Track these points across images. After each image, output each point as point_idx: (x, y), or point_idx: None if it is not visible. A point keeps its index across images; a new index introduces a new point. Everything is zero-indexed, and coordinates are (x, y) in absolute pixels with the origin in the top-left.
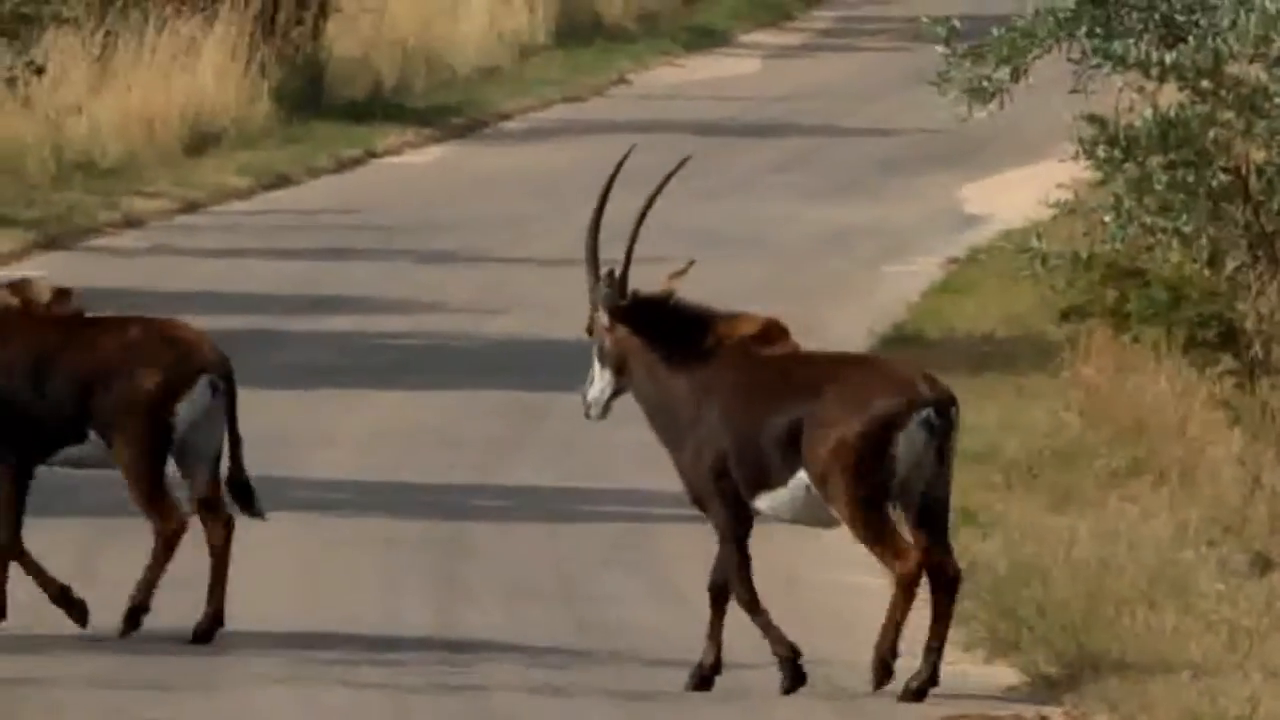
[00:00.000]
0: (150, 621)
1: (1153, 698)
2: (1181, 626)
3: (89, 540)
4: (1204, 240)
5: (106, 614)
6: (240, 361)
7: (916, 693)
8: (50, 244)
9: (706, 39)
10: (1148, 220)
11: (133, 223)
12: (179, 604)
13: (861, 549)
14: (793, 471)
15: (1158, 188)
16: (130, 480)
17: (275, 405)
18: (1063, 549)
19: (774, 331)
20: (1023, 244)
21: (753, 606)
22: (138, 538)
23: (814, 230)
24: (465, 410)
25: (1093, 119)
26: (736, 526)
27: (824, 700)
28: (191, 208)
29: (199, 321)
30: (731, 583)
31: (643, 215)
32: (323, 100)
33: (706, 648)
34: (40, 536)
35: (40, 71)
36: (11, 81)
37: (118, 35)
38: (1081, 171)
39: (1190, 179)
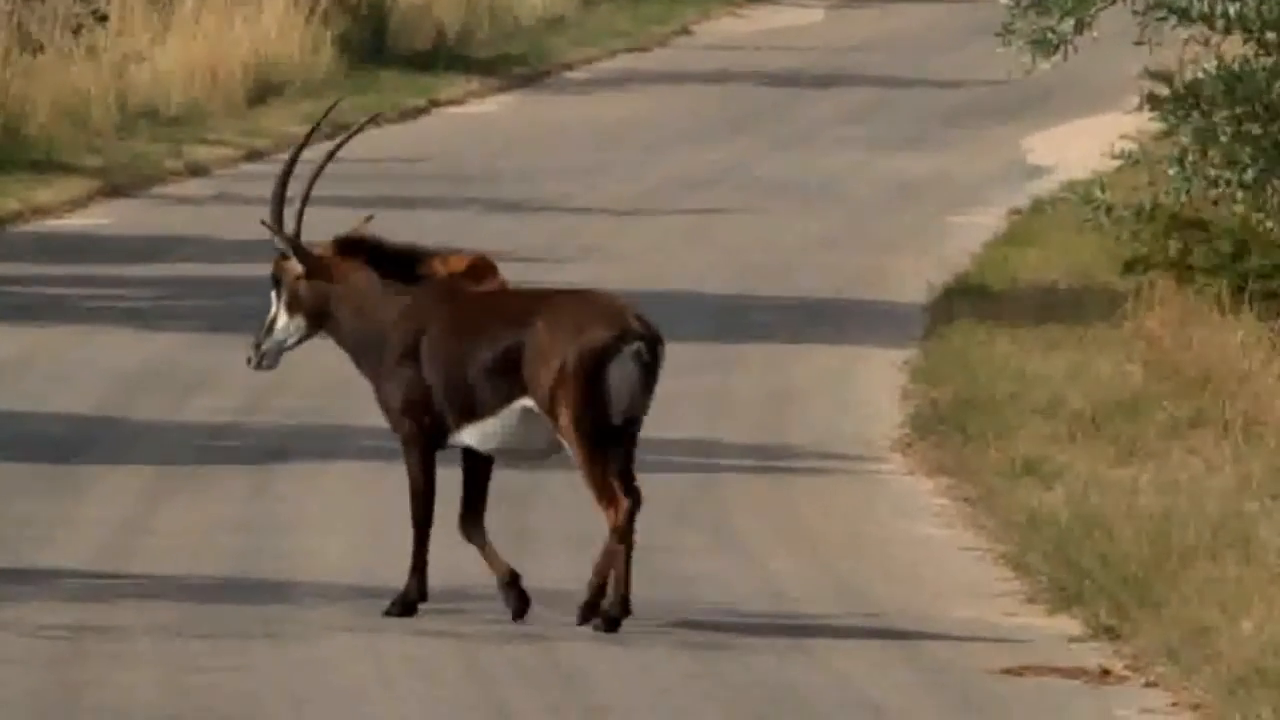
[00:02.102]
0: (213, 569)
1: (1215, 649)
2: (1244, 578)
3: (151, 489)
4: (1269, 192)
5: (169, 563)
6: None
7: (612, 621)
8: (115, 192)
9: None
10: (1212, 173)
11: (197, 171)
12: (242, 551)
13: (924, 499)
14: (505, 402)
15: (1222, 140)
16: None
17: (339, 353)
18: (1125, 501)
19: (482, 268)
20: (1087, 195)
21: (424, 533)
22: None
23: (880, 181)
24: None
25: (1156, 75)
26: (428, 457)
27: (887, 650)
28: (256, 156)
29: (263, 269)
30: (415, 505)
31: (293, 166)
32: (386, 49)
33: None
34: (100, 486)
35: (104, 19)
36: (76, 30)
37: None
38: (1146, 123)
39: (1256, 131)
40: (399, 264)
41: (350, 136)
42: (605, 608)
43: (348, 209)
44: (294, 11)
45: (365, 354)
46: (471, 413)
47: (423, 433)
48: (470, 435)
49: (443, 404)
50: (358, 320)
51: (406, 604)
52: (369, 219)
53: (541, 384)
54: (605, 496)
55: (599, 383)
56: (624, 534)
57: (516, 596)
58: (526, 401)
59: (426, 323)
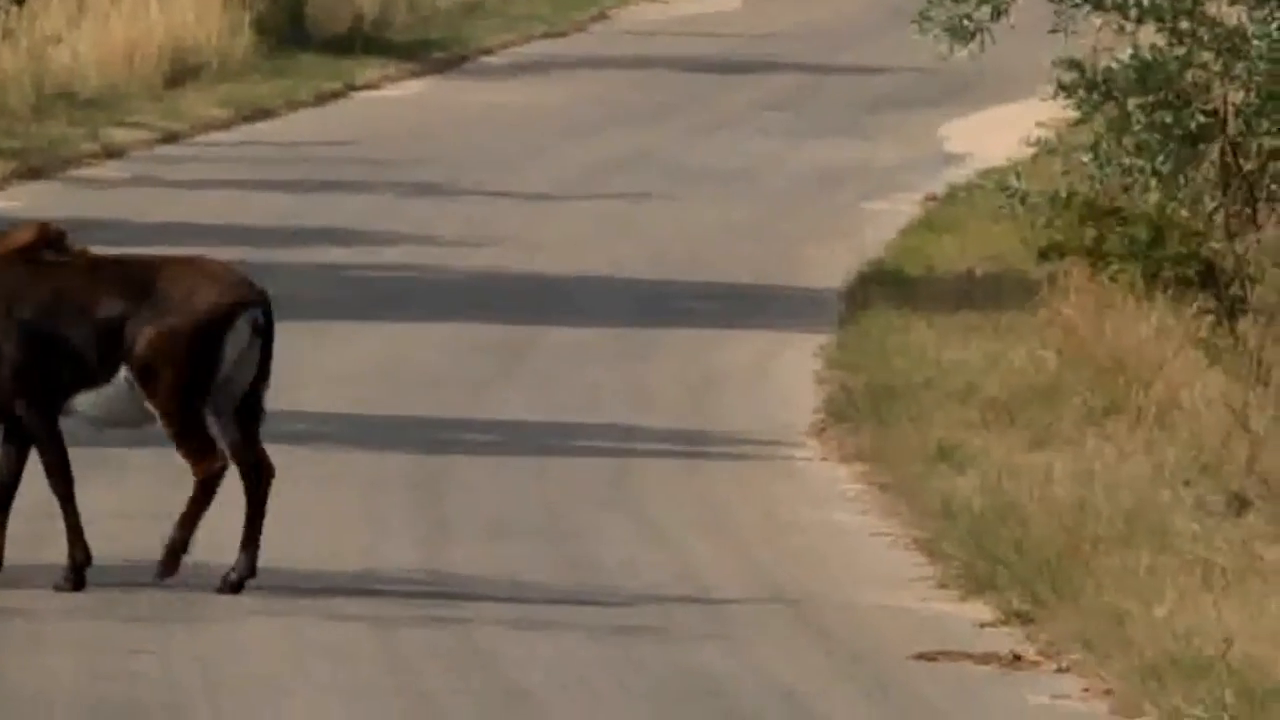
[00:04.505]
0: (132, 553)
1: (1128, 636)
2: (1157, 566)
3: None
4: (1182, 180)
5: (94, 544)
6: None
7: (235, 585)
8: (31, 174)
9: None
10: (1126, 161)
11: (114, 153)
12: (157, 535)
13: (840, 485)
14: (116, 369)
15: (1136, 128)
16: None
17: None
18: (1040, 488)
19: (53, 237)
20: (1002, 182)
21: (68, 497)
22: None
23: (799, 168)
24: (451, 345)
25: (1070, 63)
26: (50, 426)
27: (802, 636)
28: (172, 139)
29: (181, 253)
30: (53, 478)
31: None
32: (304, 33)
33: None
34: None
35: (20, 2)
36: None
37: None
38: (1062, 111)
39: (1168, 120)
40: None
41: None
42: (232, 574)
43: (266, 193)
44: None
45: None
46: (82, 382)
47: (38, 404)
48: (82, 404)
49: (52, 375)
50: None
51: (76, 573)
52: None
53: (148, 352)
54: (200, 451)
55: (215, 351)
56: (211, 488)
57: None
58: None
59: (16, 300)
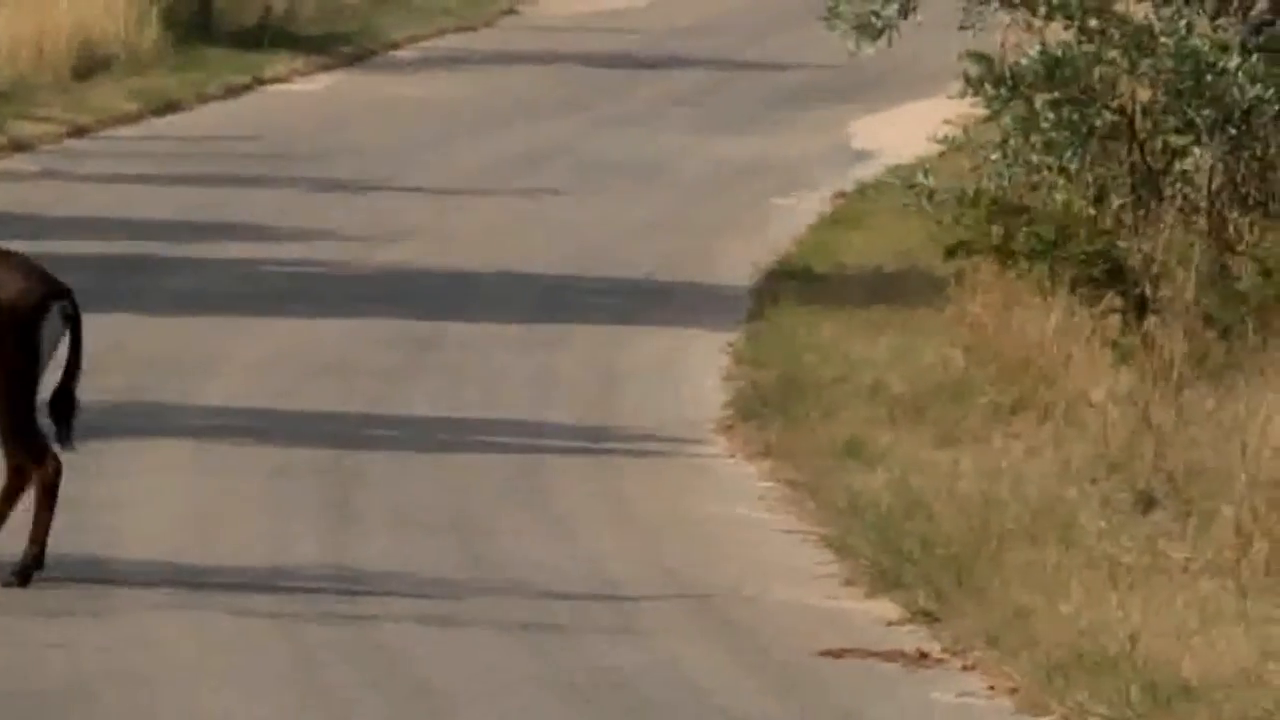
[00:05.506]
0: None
1: (1034, 633)
2: (1064, 563)
3: None
4: (1089, 178)
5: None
6: (130, 287)
7: (21, 574)
8: None
9: None
10: (1034, 158)
11: (21, 147)
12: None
13: (747, 482)
14: None
15: (1044, 126)
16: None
17: (165, 332)
18: (947, 484)
19: None
20: (909, 179)
21: None
22: None
23: (708, 163)
24: (357, 339)
25: (977, 57)
26: None
27: (710, 632)
28: (80, 132)
29: (89, 247)
30: None
31: None
32: (212, 26)
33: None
34: None
35: None
36: None
37: None
38: (970, 108)
39: (1076, 117)
40: None
41: None
42: (20, 562)
43: (174, 187)
44: None
45: None
46: None
47: None
48: None
49: None
50: None
51: None
52: None
53: None
54: (34, 452)
55: (32, 342)
56: (54, 491)
57: None
58: None
59: None
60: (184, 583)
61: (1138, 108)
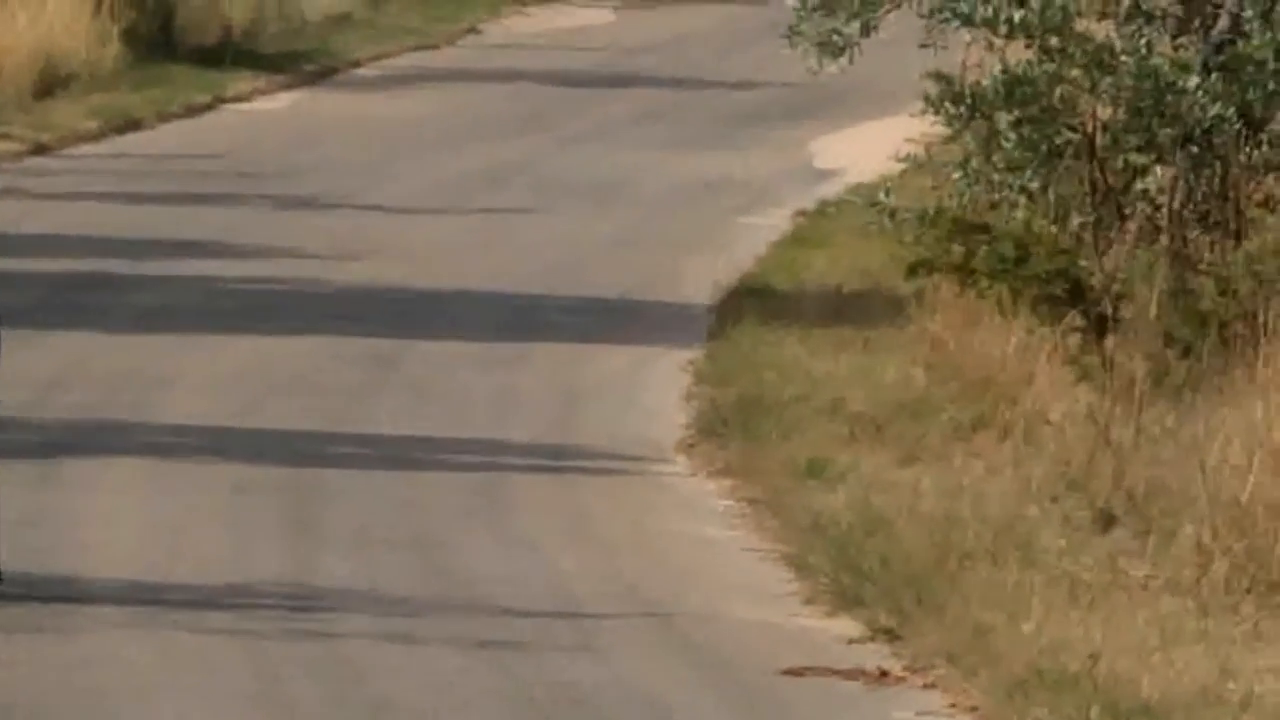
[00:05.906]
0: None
1: (994, 652)
2: (1024, 581)
3: None
4: (1050, 197)
5: None
6: (92, 305)
7: None
8: None
9: None
10: (995, 177)
11: None
12: (27, 546)
13: (708, 500)
14: None
15: (1005, 145)
16: None
17: (127, 349)
18: (907, 503)
19: None
20: (871, 198)
21: None
22: None
23: (670, 182)
24: (319, 356)
25: (938, 76)
26: None
27: (671, 650)
28: (41, 150)
29: (50, 264)
30: None
31: None
32: (174, 45)
33: None
34: None
35: None
36: None
37: None
38: (932, 126)
39: (1036, 136)
40: None
41: None
42: None
43: (136, 205)
44: (80, 3)
45: None
46: None
47: None
48: None
49: None
50: None
51: None
52: None
53: None
54: None
55: None
56: None
57: None
58: None
59: None
60: (145, 600)
61: (1098, 126)
